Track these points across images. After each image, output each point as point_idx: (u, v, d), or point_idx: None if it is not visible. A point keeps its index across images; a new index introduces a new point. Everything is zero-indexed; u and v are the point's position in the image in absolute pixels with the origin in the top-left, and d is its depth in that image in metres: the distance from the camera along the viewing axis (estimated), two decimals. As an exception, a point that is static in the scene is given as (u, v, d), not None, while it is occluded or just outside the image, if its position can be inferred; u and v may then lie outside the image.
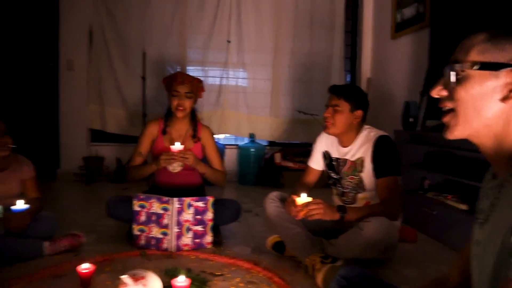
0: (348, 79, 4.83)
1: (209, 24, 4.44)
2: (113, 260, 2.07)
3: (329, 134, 2.08)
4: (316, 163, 2.24)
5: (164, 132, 2.45)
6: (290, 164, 4.25)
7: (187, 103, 2.38)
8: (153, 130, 2.46)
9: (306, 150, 4.43)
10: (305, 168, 2.31)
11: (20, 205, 1.98)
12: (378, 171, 1.97)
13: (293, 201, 1.87)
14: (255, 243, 2.41)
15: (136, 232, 2.21)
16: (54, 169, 4.33)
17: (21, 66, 4.25)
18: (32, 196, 2.20)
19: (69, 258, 2.09)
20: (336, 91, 2.04)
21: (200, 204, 2.23)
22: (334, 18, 4.59)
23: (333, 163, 2.11)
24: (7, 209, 1.98)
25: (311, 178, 2.28)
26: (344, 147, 2.08)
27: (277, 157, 4.29)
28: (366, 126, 2.09)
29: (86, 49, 4.32)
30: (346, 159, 2.06)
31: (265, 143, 4.67)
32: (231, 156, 4.49)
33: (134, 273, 1.45)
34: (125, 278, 1.40)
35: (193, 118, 2.51)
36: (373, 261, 1.94)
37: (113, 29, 4.31)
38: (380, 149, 1.98)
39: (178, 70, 4.41)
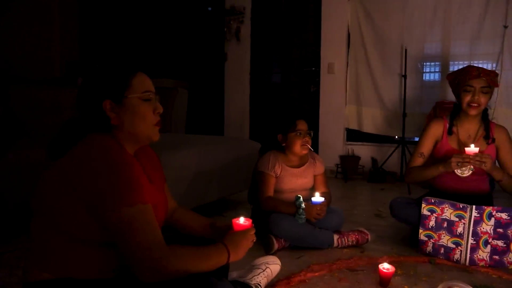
0: None
1: (479, 11, 3.92)
2: (401, 263, 2.01)
3: None
4: None
5: (450, 132, 2.24)
6: None
7: (483, 99, 2.10)
8: (437, 129, 2.27)
9: None
10: None
11: (318, 197, 2.15)
12: None
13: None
14: None
15: (422, 237, 2.09)
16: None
17: (289, 72, 4.76)
18: (322, 190, 2.37)
19: (357, 253, 2.15)
20: None
21: (503, 215, 1.93)
22: None
23: None
24: (306, 200, 2.18)
25: None
26: None
27: None
28: None
29: (345, 52, 4.48)
30: None
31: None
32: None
33: (457, 285, 1.33)
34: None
35: (485, 116, 2.21)
36: None
37: (371, 29, 4.34)
38: None
39: (438, 67, 4.09)
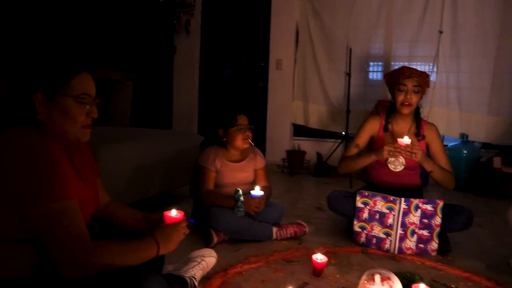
0: None
1: (418, 16, 4.14)
2: (336, 253, 2.09)
3: None
4: None
5: (386, 128, 2.35)
6: (515, 172, 3.63)
7: (414, 99, 2.21)
8: (374, 125, 2.37)
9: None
10: None
11: (257, 191, 2.18)
12: None
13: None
14: (489, 260, 2.10)
15: (356, 228, 2.18)
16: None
17: (239, 67, 4.77)
18: (262, 184, 2.41)
19: (294, 245, 2.21)
20: None
21: (428, 207, 2.06)
22: None
23: None
24: (246, 194, 2.20)
25: None
26: None
27: (497, 162, 3.72)
28: None
29: (294, 48, 4.56)
30: None
31: (478, 145, 4.11)
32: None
33: (380, 272, 1.40)
34: (377, 277, 1.36)
35: (417, 115, 2.34)
36: None
37: (319, 27, 4.45)
38: None
39: (380, 67, 4.27)
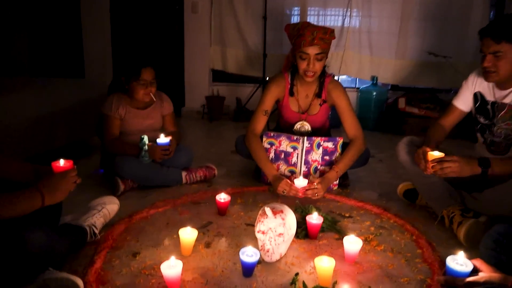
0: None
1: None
2: (243, 193, 2.17)
3: (491, 82, 1.76)
4: (464, 103, 1.91)
5: (291, 93, 2.26)
6: (415, 111, 3.93)
7: (318, 66, 2.06)
8: (279, 87, 2.24)
9: (433, 96, 4.04)
10: (448, 107, 1.97)
11: (163, 139, 2.14)
12: None
13: (425, 153, 1.70)
14: (382, 189, 2.31)
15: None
16: (179, 107, 4.64)
17: (149, 9, 4.50)
18: (171, 130, 2.38)
19: (204, 188, 2.24)
20: (493, 34, 1.60)
21: (329, 144, 2.17)
22: None
23: (487, 106, 1.83)
24: (152, 141, 2.16)
25: (452, 119, 1.95)
26: (504, 89, 1.75)
27: (401, 102, 3.99)
28: None
29: (210, -9, 4.37)
30: (505, 104, 1.74)
31: (387, 87, 4.37)
32: (350, 99, 4.26)
33: (273, 206, 1.48)
34: (267, 210, 1.43)
35: (322, 75, 2.19)
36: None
37: (234, -31, 4.28)
38: None
39: (297, 11, 4.26)
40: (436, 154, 1.68)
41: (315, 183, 2.03)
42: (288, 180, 2.05)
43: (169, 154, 2.17)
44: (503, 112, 1.75)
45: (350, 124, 2.22)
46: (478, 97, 1.85)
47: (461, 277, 1.13)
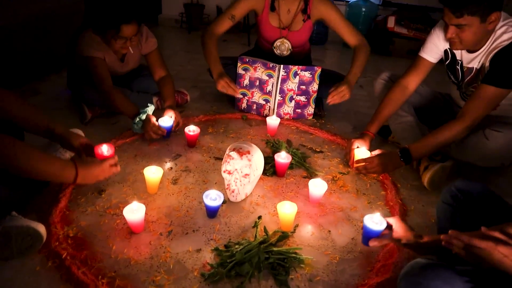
0: None
1: None
2: (215, 121, 2.11)
3: (456, 50, 1.59)
4: (431, 54, 1.71)
5: (272, 7, 2.09)
6: (404, 31, 3.76)
7: None
8: (258, 1, 2.08)
9: (426, 15, 3.84)
10: (415, 60, 1.77)
11: (167, 121, 1.84)
12: (486, 76, 1.50)
13: (351, 151, 1.74)
14: (357, 120, 2.28)
15: (238, 95, 2.16)
16: (156, 14, 4.33)
17: None
18: (160, 74, 2.02)
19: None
20: (453, 5, 1.39)
21: (306, 74, 2.08)
22: None
23: (457, 66, 1.68)
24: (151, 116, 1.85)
25: (419, 75, 1.75)
26: (471, 53, 1.59)
27: (391, 21, 3.79)
28: (504, 23, 1.47)
29: None
30: (472, 68, 1.61)
31: (378, 3, 4.10)
32: (337, 14, 4.05)
33: (240, 147, 1.44)
34: (233, 153, 1.39)
35: None
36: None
37: None
38: (506, 54, 1.44)
39: None
40: (361, 154, 1.71)
41: (341, 88, 1.98)
42: (229, 78, 2.01)
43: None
44: (469, 77, 1.64)
45: (348, 33, 2.12)
46: (448, 54, 1.71)
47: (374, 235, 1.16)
